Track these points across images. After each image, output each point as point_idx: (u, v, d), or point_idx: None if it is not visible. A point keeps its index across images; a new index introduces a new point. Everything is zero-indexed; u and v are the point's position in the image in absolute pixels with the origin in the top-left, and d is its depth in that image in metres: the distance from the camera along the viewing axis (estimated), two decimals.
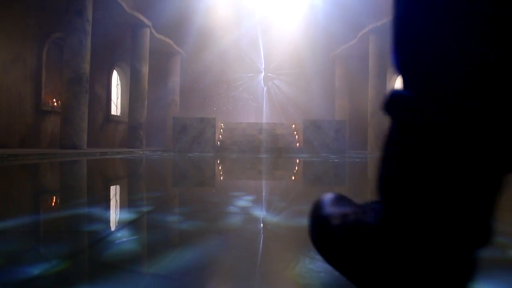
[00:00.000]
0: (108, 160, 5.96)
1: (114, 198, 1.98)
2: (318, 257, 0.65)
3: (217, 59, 15.19)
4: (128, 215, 1.41)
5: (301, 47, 15.82)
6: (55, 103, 9.44)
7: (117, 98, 13.98)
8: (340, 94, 14.93)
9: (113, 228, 1.20)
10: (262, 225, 1.25)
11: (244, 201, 1.71)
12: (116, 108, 13.78)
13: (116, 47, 12.66)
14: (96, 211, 1.46)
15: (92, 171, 4.20)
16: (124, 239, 1.02)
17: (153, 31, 12.32)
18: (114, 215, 1.46)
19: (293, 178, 3.57)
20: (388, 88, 13.29)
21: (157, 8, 12.67)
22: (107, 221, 1.29)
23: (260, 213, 1.46)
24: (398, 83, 13.87)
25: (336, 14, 12.89)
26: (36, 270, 0.73)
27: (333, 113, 14.90)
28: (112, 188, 2.57)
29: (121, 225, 1.23)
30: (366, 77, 12.34)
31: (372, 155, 9.93)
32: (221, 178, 3.61)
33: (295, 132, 13.30)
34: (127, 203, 1.84)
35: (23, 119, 8.67)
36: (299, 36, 15.85)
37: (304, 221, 0.91)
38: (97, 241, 1.00)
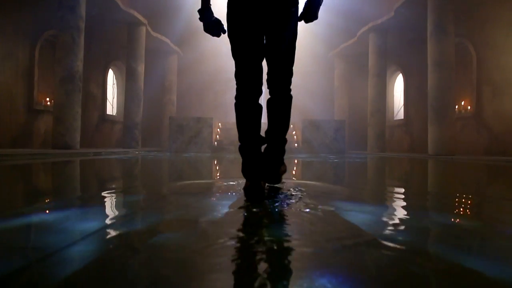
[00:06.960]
0: (101, 161, 5.76)
1: (98, 199, 1.79)
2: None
3: (214, 58, 14.98)
4: (103, 222, 1.22)
5: (300, 45, 15.58)
6: (48, 102, 9.21)
7: (113, 98, 13.76)
8: (339, 94, 14.75)
9: (86, 233, 1.00)
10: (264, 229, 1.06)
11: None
12: (112, 107, 13.56)
13: (111, 46, 12.45)
14: (72, 214, 1.27)
15: (84, 172, 4.00)
16: (98, 246, 0.83)
17: (150, 29, 12.10)
18: (98, 218, 1.27)
19: (293, 179, 3.38)
20: (388, 87, 13.14)
21: (154, 6, 12.47)
22: (71, 230, 1.10)
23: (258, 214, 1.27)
24: (399, 82, 13.72)
25: (336, 13, 12.74)
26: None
27: (332, 113, 14.72)
28: (99, 189, 2.38)
29: (98, 229, 1.04)
30: (366, 76, 12.16)
31: (372, 155, 9.75)
32: (218, 179, 3.42)
33: (293, 132, 13.11)
34: (110, 206, 1.65)
35: (14, 118, 8.45)
36: (298, 35, 15.68)
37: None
38: (69, 245, 0.81)
